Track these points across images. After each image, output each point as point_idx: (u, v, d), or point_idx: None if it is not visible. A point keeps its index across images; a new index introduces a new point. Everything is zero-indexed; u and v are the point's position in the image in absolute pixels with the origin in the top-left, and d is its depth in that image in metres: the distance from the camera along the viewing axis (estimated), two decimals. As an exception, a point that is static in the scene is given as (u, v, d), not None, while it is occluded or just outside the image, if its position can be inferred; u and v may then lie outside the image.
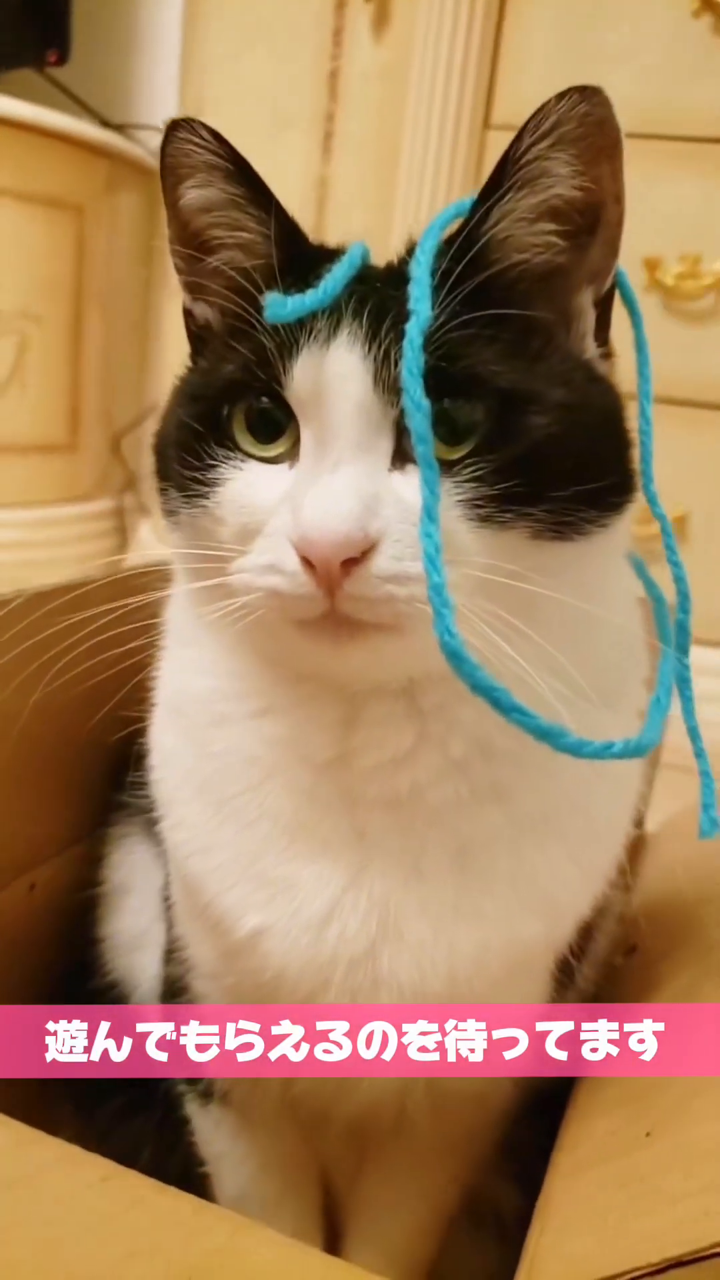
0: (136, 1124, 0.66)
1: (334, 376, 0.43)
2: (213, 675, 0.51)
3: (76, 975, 0.68)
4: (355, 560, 0.40)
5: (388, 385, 0.43)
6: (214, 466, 0.46)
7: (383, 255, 0.51)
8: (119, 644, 0.51)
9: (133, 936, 0.67)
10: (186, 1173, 0.64)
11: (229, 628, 0.46)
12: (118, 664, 0.52)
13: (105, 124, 2.29)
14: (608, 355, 0.51)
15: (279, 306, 0.43)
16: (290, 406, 0.44)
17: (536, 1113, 0.59)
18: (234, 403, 0.46)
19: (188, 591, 0.52)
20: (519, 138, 0.45)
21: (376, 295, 0.45)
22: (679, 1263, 0.37)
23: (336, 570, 0.40)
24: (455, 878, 0.49)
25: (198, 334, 0.53)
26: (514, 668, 0.42)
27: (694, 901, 0.64)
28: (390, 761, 0.48)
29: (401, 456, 0.44)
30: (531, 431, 0.44)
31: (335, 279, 0.44)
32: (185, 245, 0.50)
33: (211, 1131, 0.62)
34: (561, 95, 0.44)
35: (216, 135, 0.47)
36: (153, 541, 2.15)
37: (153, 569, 0.74)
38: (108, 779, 0.70)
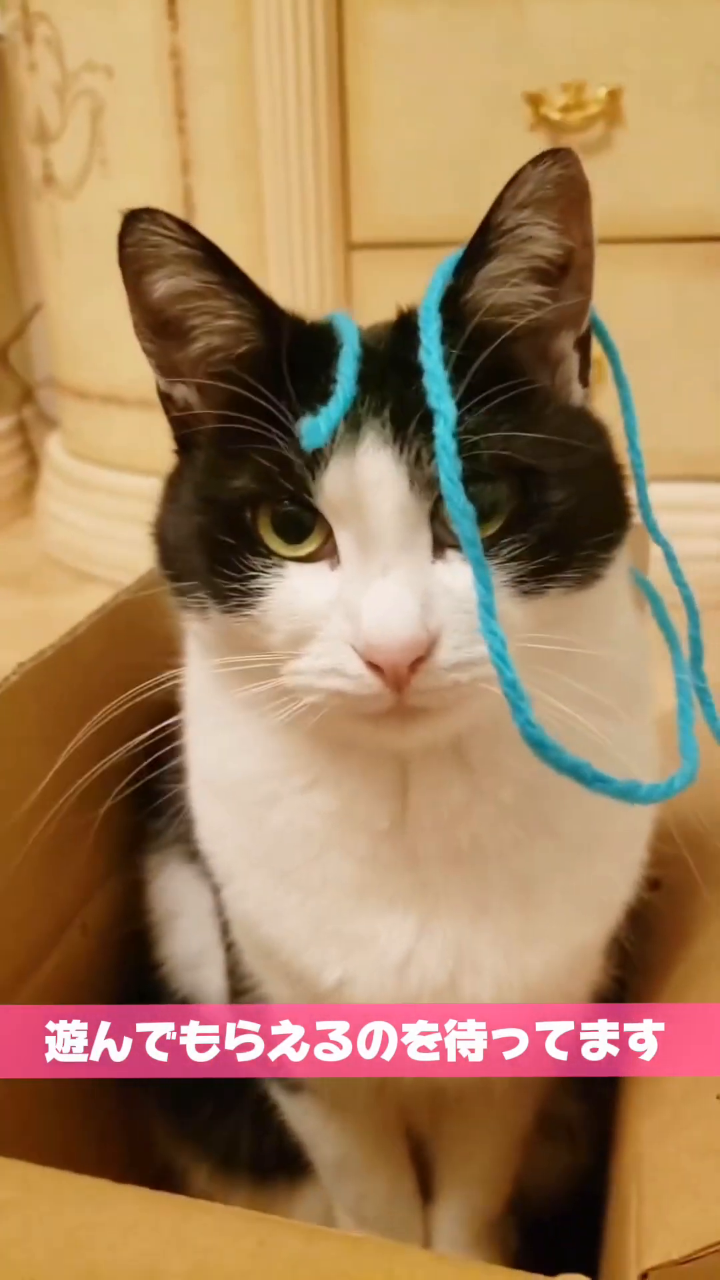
0: (231, 1121, 0.72)
1: (368, 483, 0.43)
2: (255, 756, 0.53)
3: (142, 1000, 0.72)
4: (421, 658, 0.42)
5: (422, 484, 0.43)
6: (254, 576, 0.45)
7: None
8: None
9: (192, 955, 0.71)
10: (282, 1146, 0.70)
11: (278, 717, 0.47)
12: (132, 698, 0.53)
13: None
14: (587, 390, 0.52)
15: (314, 434, 0.43)
16: (315, 507, 0.45)
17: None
18: (256, 507, 0.46)
19: (215, 674, 0.52)
20: (498, 205, 0.45)
21: (390, 388, 0.45)
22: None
23: (405, 671, 0.42)
24: (518, 909, 0.53)
25: (182, 420, 0.51)
26: (562, 717, 0.45)
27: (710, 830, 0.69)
28: (448, 819, 0.51)
29: (439, 545, 0.45)
30: (554, 506, 0.45)
31: (348, 378, 0.44)
32: (156, 333, 0.49)
33: (301, 1116, 0.68)
34: (536, 161, 0.44)
35: (183, 224, 0.46)
36: (62, 455, 2.08)
37: (137, 596, 0.74)
38: (129, 805, 0.71)
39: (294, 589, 0.45)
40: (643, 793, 0.45)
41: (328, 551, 0.46)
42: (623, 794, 0.44)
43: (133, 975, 0.73)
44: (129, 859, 0.74)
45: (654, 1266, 0.45)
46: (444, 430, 0.41)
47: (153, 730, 0.54)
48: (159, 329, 0.49)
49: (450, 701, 0.44)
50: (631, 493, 0.53)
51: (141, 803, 0.67)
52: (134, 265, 0.47)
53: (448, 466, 0.41)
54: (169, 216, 0.46)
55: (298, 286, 1.74)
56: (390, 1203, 0.71)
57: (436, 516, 0.44)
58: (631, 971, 0.67)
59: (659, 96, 1.58)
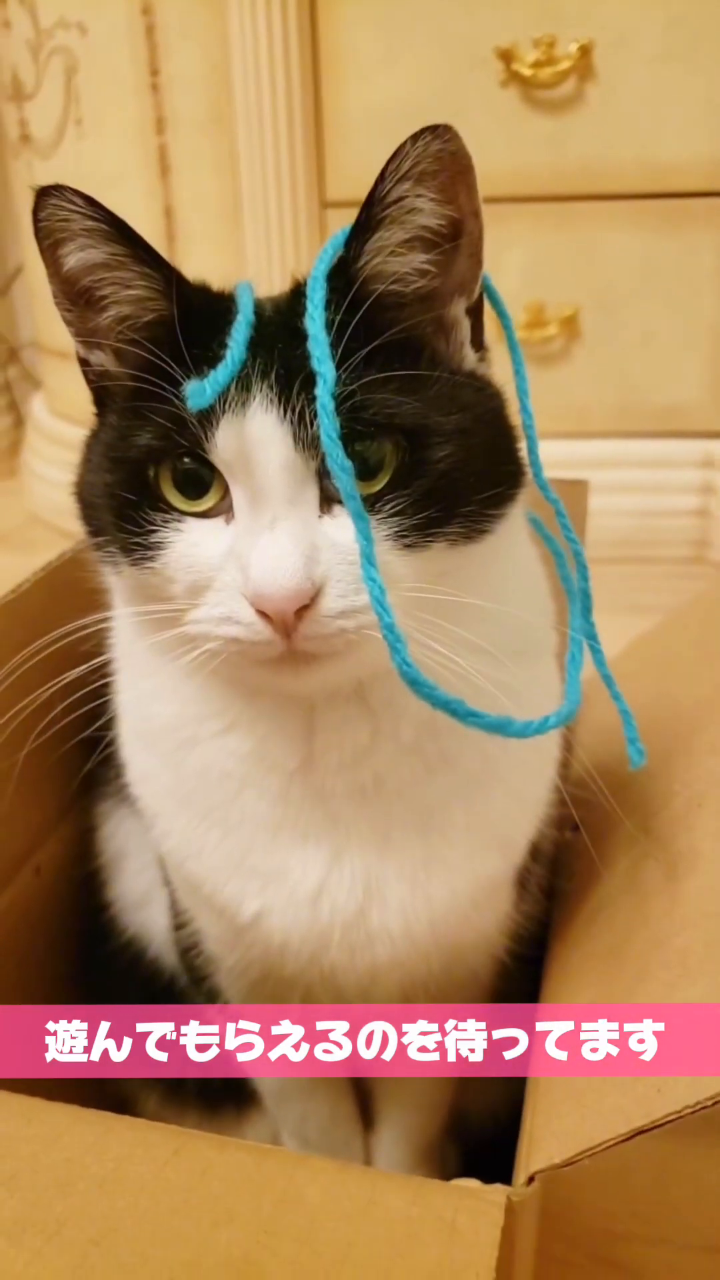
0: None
1: (256, 441, 0.46)
2: (174, 701, 0.57)
3: (92, 940, 0.76)
4: (306, 606, 0.45)
5: (306, 443, 0.46)
6: (154, 530, 0.48)
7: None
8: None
9: (139, 896, 0.75)
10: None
11: (183, 662, 0.51)
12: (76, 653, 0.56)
13: None
14: (483, 357, 0.55)
15: (199, 395, 0.46)
16: (212, 463, 0.48)
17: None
18: (158, 464, 0.49)
19: (136, 625, 0.55)
20: (381, 179, 0.48)
21: (279, 353, 0.47)
22: (641, 1131, 0.47)
23: (291, 618, 0.45)
24: (422, 841, 0.57)
25: (98, 384, 0.54)
26: (445, 661, 0.48)
27: (623, 776, 0.73)
28: (352, 758, 0.55)
29: (326, 500, 0.47)
30: (437, 464, 0.48)
31: (238, 345, 0.47)
32: (73, 302, 0.51)
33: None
34: (415, 137, 0.47)
35: (90, 200, 0.48)
36: (45, 414, 2.09)
37: (82, 553, 0.76)
38: (80, 752, 0.74)
39: (191, 542, 0.48)
40: (515, 728, 0.49)
41: (224, 507, 0.49)
42: (494, 727, 0.48)
43: (84, 916, 0.77)
44: (81, 805, 0.77)
45: (539, 1170, 0.49)
46: (323, 391, 0.45)
47: (81, 670, 0.56)
48: (74, 298, 0.51)
49: (338, 647, 0.47)
50: (524, 452, 0.55)
51: (91, 750, 0.70)
52: (47, 239, 0.50)
53: (327, 425, 0.44)
54: (76, 193, 0.48)
55: (273, 244, 1.76)
56: (331, 1124, 0.76)
57: (324, 474, 0.47)
58: (555, 907, 0.71)
59: (630, 51, 1.58)
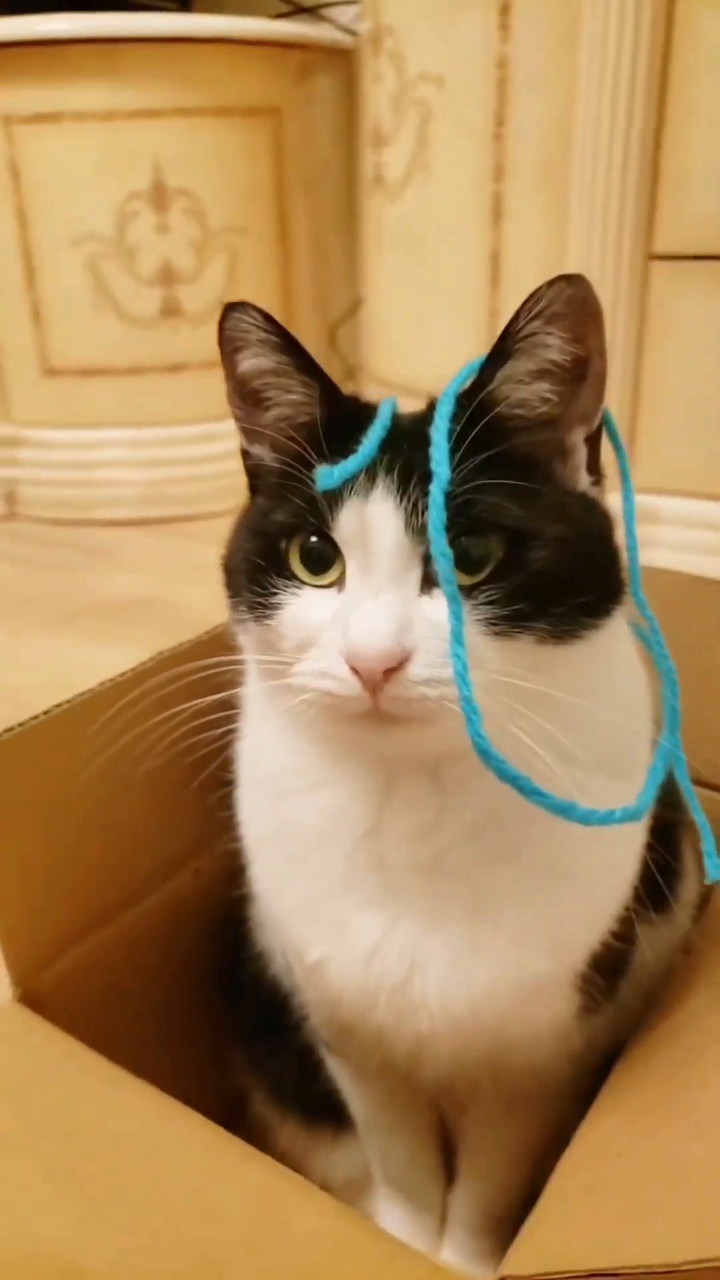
0: (280, 1059, 0.83)
1: (373, 523, 0.52)
2: (278, 753, 0.63)
3: (235, 947, 0.84)
4: (394, 669, 0.50)
5: (416, 529, 0.52)
6: (275, 593, 0.55)
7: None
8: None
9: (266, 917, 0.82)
10: (328, 1094, 0.80)
11: (290, 715, 0.57)
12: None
13: (294, 6, 2.26)
14: (598, 482, 0.59)
15: (328, 477, 0.53)
16: (336, 543, 0.54)
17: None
18: (290, 539, 0.56)
19: (255, 670, 0.62)
20: (516, 317, 0.53)
21: (404, 453, 0.53)
22: (597, 1273, 0.47)
23: (379, 677, 0.50)
24: (470, 926, 0.60)
25: (254, 470, 0.62)
26: (526, 753, 0.52)
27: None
28: (417, 832, 0.58)
29: (429, 583, 0.53)
30: (533, 563, 0.53)
31: (370, 442, 0.53)
32: (244, 400, 0.59)
33: (335, 1071, 0.78)
34: (551, 282, 0.52)
35: (266, 315, 0.56)
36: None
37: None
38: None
39: (304, 606, 0.55)
40: (579, 814, 0.52)
41: (340, 583, 0.55)
42: (558, 809, 0.52)
43: (231, 924, 0.85)
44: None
45: (507, 1275, 0.51)
46: (436, 487, 0.51)
47: (213, 699, 0.63)
48: (244, 397, 0.59)
49: (419, 713, 0.52)
50: (626, 573, 0.59)
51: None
52: (229, 345, 0.58)
53: (434, 515, 0.50)
54: (257, 310, 0.56)
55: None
56: (410, 1167, 0.79)
57: (429, 559, 0.52)
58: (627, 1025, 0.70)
59: None
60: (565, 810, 0.52)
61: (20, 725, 0.71)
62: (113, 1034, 0.78)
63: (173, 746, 0.69)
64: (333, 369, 2.58)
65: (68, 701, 0.72)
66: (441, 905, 0.59)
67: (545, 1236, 0.54)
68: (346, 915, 0.61)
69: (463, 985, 0.60)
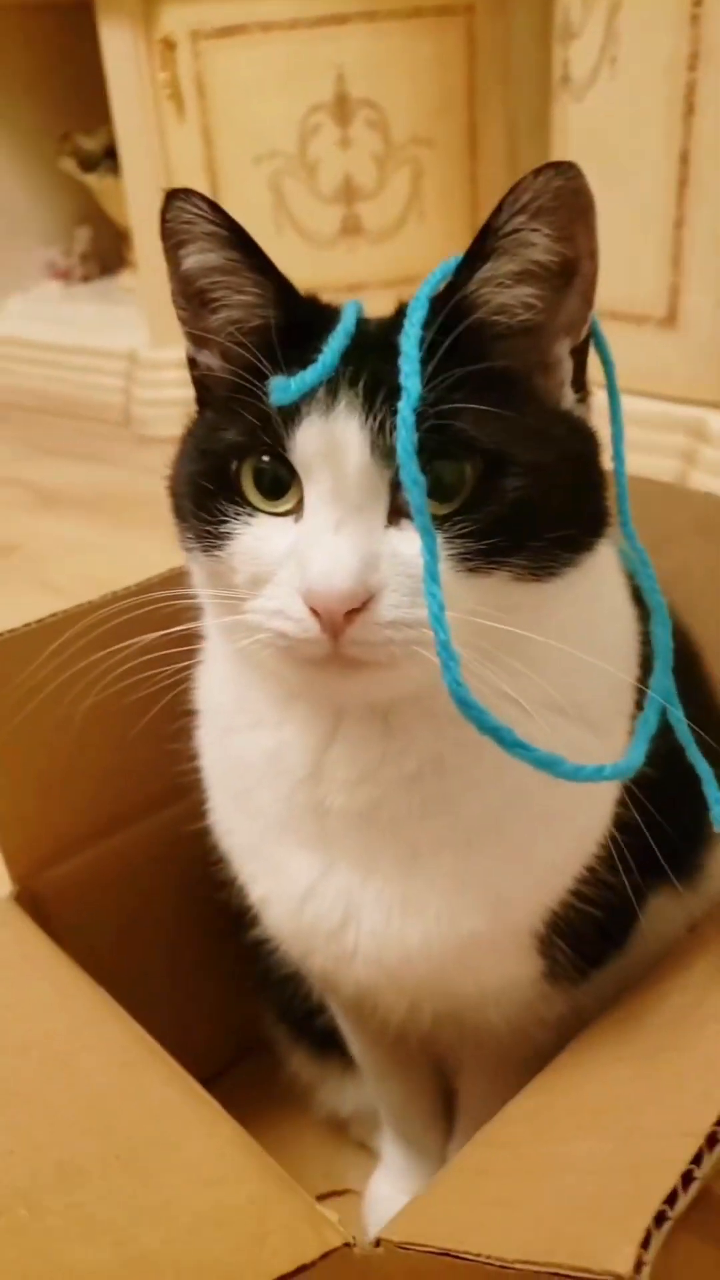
0: (290, 986, 0.78)
1: (335, 444, 0.47)
2: (227, 688, 0.60)
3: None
4: (357, 610, 0.45)
5: (383, 452, 0.46)
6: (225, 521, 0.50)
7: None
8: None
9: None
10: (333, 1027, 0.77)
11: (242, 653, 0.53)
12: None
13: None
14: (584, 399, 0.53)
15: (283, 391, 0.47)
16: (294, 466, 0.49)
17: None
18: (241, 460, 0.50)
19: (206, 606, 0.57)
20: (499, 210, 0.47)
21: (370, 365, 0.48)
22: (447, 1252, 0.43)
23: (341, 619, 0.45)
24: (403, 879, 0.55)
25: (201, 381, 0.56)
26: (500, 700, 0.47)
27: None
28: (356, 779, 0.54)
29: (396, 513, 0.47)
30: (510, 492, 0.47)
31: (332, 351, 0.48)
32: (188, 301, 0.54)
33: (336, 1014, 0.75)
34: (538, 171, 0.46)
35: (213, 205, 0.50)
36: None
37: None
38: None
39: (259, 536, 0.50)
40: (566, 768, 0.47)
41: (298, 510, 0.49)
42: (543, 763, 0.47)
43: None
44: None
45: (382, 1238, 0.47)
46: (405, 405, 0.45)
47: (167, 632, 0.59)
48: (190, 297, 0.54)
49: (383, 658, 0.47)
50: (612, 501, 0.52)
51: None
52: (171, 239, 0.52)
53: (404, 437, 0.44)
54: (202, 197, 0.51)
55: None
56: (405, 1113, 0.77)
57: (397, 486, 0.47)
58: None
59: None
60: (551, 764, 0.47)
61: (24, 626, 0.71)
62: (117, 945, 0.78)
63: (169, 673, 0.66)
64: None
65: (62, 611, 0.70)
66: (376, 854, 0.55)
67: (426, 1208, 0.50)
68: (284, 857, 0.58)
69: (396, 937, 0.56)
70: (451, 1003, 0.61)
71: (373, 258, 2.22)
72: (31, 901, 0.75)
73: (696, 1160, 0.38)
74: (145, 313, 2.43)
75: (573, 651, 0.50)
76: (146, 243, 2.33)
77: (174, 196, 0.51)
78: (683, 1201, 0.37)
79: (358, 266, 2.21)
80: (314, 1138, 0.85)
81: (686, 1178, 0.38)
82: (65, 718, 0.70)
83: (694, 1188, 0.38)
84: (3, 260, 2.80)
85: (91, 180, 2.66)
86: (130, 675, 0.57)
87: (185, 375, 0.56)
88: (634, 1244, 0.35)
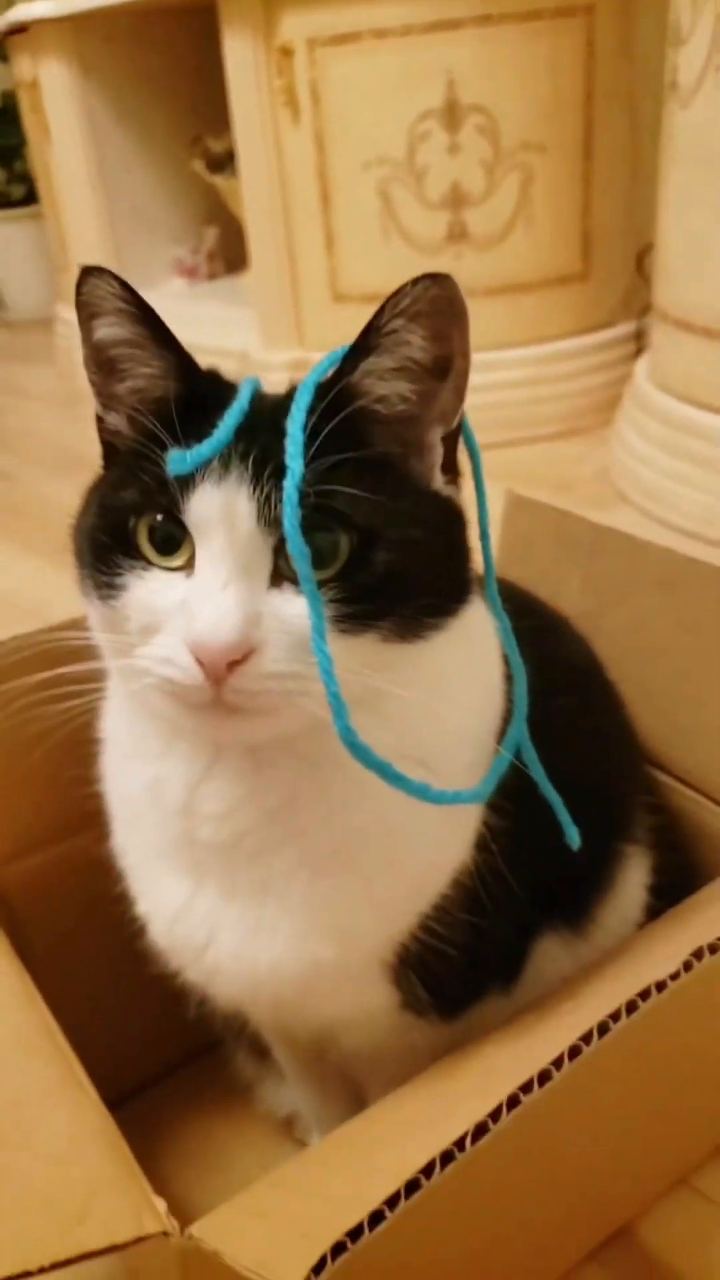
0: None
1: (225, 511, 0.51)
2: (118, 721, 0.64)
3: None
4: (238, 661, 0.49)
5: (268, 521, 0.51)
6: (120, 574, 0.54)
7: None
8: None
9: None
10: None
11: (127, 688, 0.58)
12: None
13: None
14: (453, 480, 0.58)
15: (179, 463, 0.52)
16: (187, 527, 0.53)
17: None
18: (139, 517, 0.54)
19: (101, 646, 0.61)
20: (381, 311, 0.52)
21: (260, 441, 0.52)
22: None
23: (223, 669, 0.49)
24: (258, 905, 0.58)
25: (109, 441, 0.60)
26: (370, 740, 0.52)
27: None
28: (223, 812, 0.58)
29: (278, 576, 0.52)
30: (379, 564, 0.52)
31: (225, 428, 0.52)
32: (99, 369, 0.57)
33: None
34: (416, 280, 0.51)
35: (124, 284, 0.54)
36: (644, 381, 2.06)
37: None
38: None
39: (151, 589, 0.54)
40: (433, 794, 0.54)
41: (188, 567, 0.53)
42: (417, 792, 0.53)
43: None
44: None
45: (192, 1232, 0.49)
46: (290, 484, 0.49)
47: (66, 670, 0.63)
48: (100, 365, 0.57)
49: (262, 705, 0.51)
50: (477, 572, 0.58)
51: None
52: (84, 310, 0.56)
53: (289, 514, 0.49)
54: (115, 277, 0.55)
55: None
56: (321, 1114, 0.81)
57: (281, 552, 0.51)
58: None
59: None
60: (420, 791, 0.53)
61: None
62: (74, 936, 0.83)
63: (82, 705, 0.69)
64: (637, 299, 2.41)
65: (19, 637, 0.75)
66: (236, 882, 0.59)
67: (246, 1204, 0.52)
68: (159, 877, 0.62)
69: (249, 960, 0.59)
70: (313, 1024, 0.63)
71: (478, 264, 2.22)
72: (-3, 892, 0.81)
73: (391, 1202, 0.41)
74: (258, 314, 2.50)
75: (426, 705, 0.55)
76: (259, 244, 2.40)
77: (90, 273, 0.55)
78: (366, 1238, 0.39)
79: (463, 273, 2.18)
80: (257, 1134, 0.88)
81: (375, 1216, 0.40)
82: (12, 729, 0.76)
83: (381, 1227, 0.40)
84: (134, 256, 2.92)
85: (219, 181, 2.75)
86: (64, 700, 0.62)
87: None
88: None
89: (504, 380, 2.30)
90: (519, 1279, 0.67)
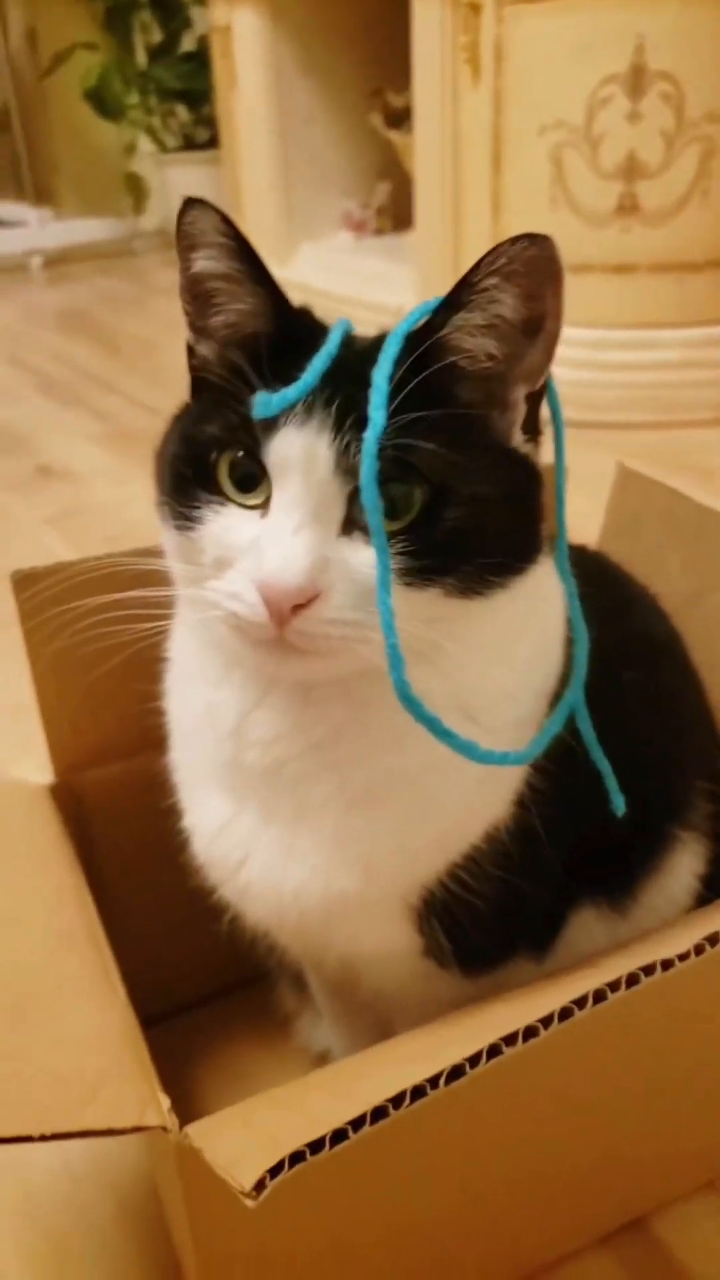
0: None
1: (304, 456, 0.52)
2: (184, 645, 0.67)
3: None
4: (303, 605, 0.51)
5: (345, 469, 0.52)
6: (198, 507, 0.56)
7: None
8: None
9: None
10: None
11: (194, 616, 0.60)
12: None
13: None
14: (534, 439, 0.58)
15: (265, 406, 0.53)
16: (266, 467, 0.54)
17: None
18: (220, 453, 0.55)
19: (173, 573, 0.63)
20: (476, 268, 0.52)
21: (344, 390, 0.52)
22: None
23: (287, 611, 0.51)
24: (290, 833, 0.61)
25: (197, 372, 0.61)
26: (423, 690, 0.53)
27: None
28: (269, 739, 0.60)
29: (349, 524, 0.53)
30: (449, 521, 0.53)
31: (313, 372, 0.53)
32: (194, 299, 0.59)
33: None
34: (514, 240, 0.51)
35: (225, 217, 0.56)
36: None
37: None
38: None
39: (226, 525, 0.56)
40: (479, 752, 0.55)
41: (265, 506, 0.55)
42: (464, 749, 0.54)
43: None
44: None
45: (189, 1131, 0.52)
46: (370, 436, 0.51)
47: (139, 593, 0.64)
48: (195, 296, 0.59)
49: (321, 648, 0.53)
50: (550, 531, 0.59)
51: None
52: (185, 241, 0.57)
53: (367, 466, 0.50)
54: (216, 210, 0.56)
55: None
56: (348, 1051, 0.81)
57: (354, 500, 0.52)
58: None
59: None
60: (467, 749, 0.54)
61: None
62: (141, 848, 0.87)
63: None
64: None
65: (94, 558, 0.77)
66: (274, 807, 0.61)
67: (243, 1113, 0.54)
68: (206, 796, 0.65)
69: (276, 883, 0.61)
70: (336, 956, 0.65)
71: (646, 239, 2.15)
72: (70, 796, 0.85)
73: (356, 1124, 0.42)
74: (418, 273, 2.49)
75: (482, 661, 0.57)
76: (426, 203, 2.38)
77: (192, 204, 0.56)
78: (326, 1152, 0.41)
79: (629, 247, 2.15)
80: (291, 1066, 0.91)
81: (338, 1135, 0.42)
82: (107, 648, 0.79)
83: (342, 1145, 0.43)
84: (304, 206, 2.95)
85: (395, 137, 2.74)
86: (129, 623, 0.65)
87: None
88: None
89: (660, 360, 2.23)
90: (493, 1235, 0.68)
